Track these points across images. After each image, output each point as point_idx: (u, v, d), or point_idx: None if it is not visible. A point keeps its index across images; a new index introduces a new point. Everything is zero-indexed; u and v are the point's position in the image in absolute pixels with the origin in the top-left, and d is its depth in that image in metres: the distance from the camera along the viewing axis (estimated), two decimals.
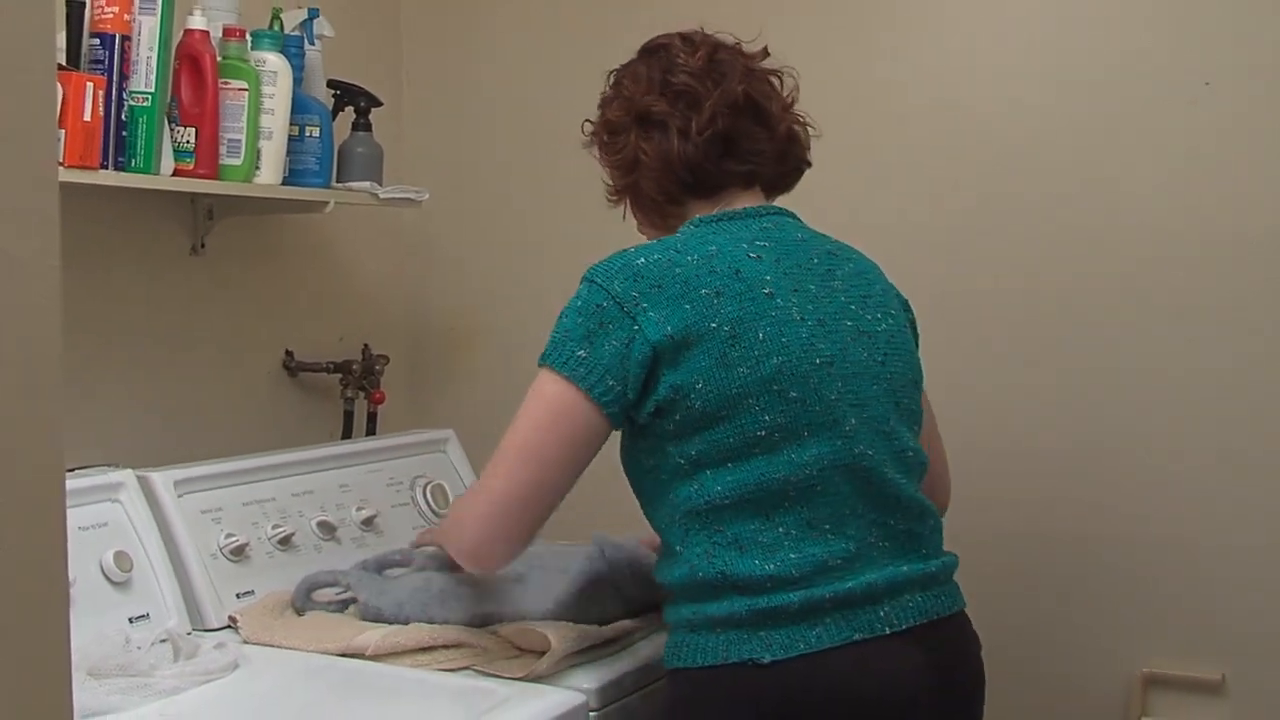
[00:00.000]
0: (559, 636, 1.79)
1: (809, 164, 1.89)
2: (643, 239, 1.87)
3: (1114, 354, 2.40)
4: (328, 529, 2.23)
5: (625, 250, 1.73)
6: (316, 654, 1.89)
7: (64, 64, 1.97)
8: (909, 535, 1.74)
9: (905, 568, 1.71)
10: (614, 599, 1.96)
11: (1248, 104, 2.30)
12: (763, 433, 1.63)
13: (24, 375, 0.81)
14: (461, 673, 1.82)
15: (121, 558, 1.93)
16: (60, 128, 1.90)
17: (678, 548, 1.68)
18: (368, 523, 2.30)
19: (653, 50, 1.87)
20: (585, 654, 1.86)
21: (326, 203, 2.43)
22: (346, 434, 2.71)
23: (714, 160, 1.79)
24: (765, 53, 1.87)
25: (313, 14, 2.44)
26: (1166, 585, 2.37)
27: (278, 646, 1.92)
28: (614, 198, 1.94)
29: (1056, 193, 2.43)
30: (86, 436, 2.21)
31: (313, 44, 2.44)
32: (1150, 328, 2.37)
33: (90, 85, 1.93)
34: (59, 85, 1.88)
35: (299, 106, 2.33)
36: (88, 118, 1.93)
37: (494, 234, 2.93)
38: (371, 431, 2.73)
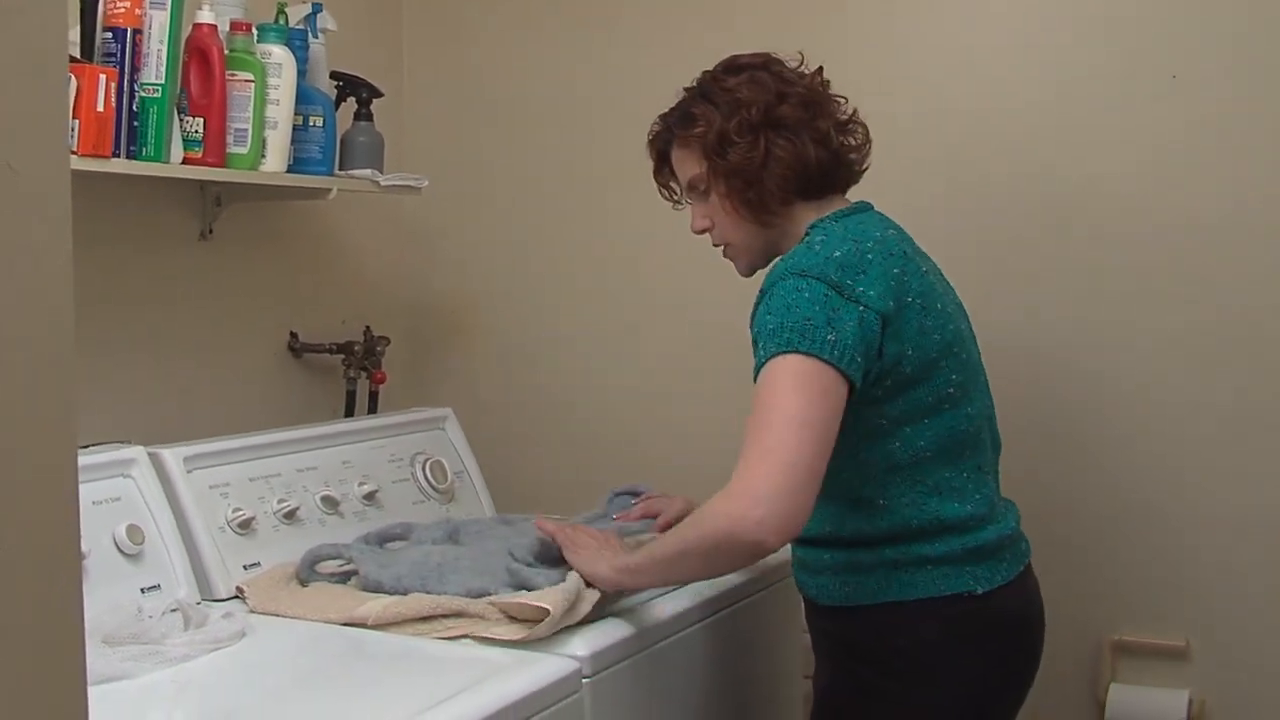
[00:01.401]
0: (556, 602, 1.80)
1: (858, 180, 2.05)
2: (726, 236, 2.00)
3: (1083, 332, 2.45)
4: (331, 503, 2.26)
5: (809, 249, 1.84)
6: (320, 623, 1.90)
7: (78, 57, 1.99)
8: (998, 478, 2.01)
9: (1015, 509, 1.99)
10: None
11: (1213, 97, 2.34)
12: (951, 390, 1.86)
13: (39, 356, 0.82)
14: (461, 641, 1.83)
15: (133, 531, 1.95)
16: (74, 118, 1.92)
17: (880, 500, 1.85)
18: (369, 497, 2.33)
19: (757, 65, 1.98)
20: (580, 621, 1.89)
21: (330, 190, 2.46)
22: (349, 412, 2.73)
23: (835, 167, 1.96)
24: (828, 83, 2.01)
25: (316, 8, 2.46)
26: (1134, 557, 2.43)
27: (283, 616, 1.94)
28: (687, 196, 2.04)
29: (1025, 182, 2.47)
30: (99, 414, 2.23)
31: (316, 37, 2.46)
32: (1117, 308, 2.42)
33: (103, 77, 1.96)
34: (73, 77, 1.91)
35: (303, 97, 2.36)
36: (101, 108, 1.95)
37: (491, 220, 2.95)
38: (373, 410, 2.75)
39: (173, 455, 2.09)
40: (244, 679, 1.76)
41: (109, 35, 2.04)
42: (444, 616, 1.88)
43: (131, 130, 2.06)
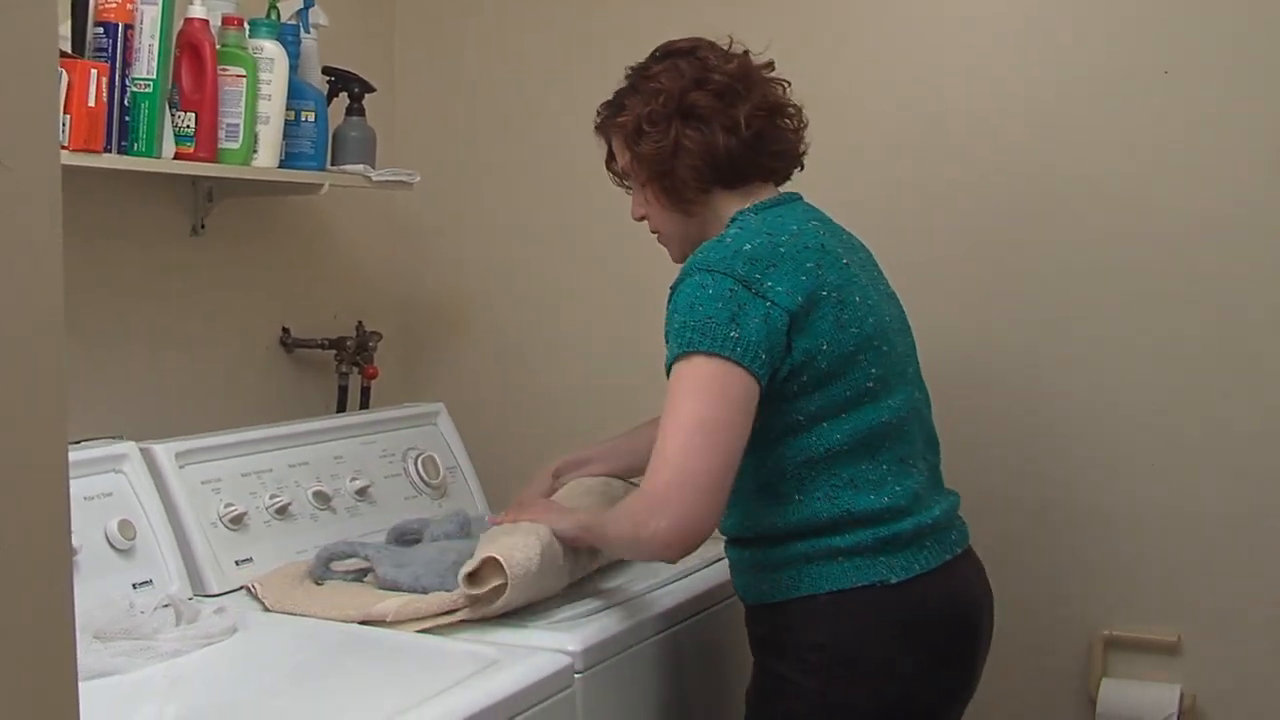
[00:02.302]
0: (499, 550, 1.82)
1: (802, 165, 2.03)
2: (656, 225, 2.02)
3: (1075, 330, 2.45)
4: (323, 499, 2.26)
5: (721, 241, 1.85)
6: (336, 621, 1.89)
7: (69, 52, 1.98)
8: (937, 469, 2.01)
9: (950, 499, 1.98)
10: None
11: (1205, 92, 2.35)
12: (871, 384, 1.85)
13: (30, 351, 0.82)
14: (467, 629, 1.84)
15: (125, 526, 1.94)
16: (65, 113, 1.92)
17: (796, 495, 1.84)
18: (361, 493, 2.34)
19: (683, 51, 1.99)
20: (570, 609, 1.92)
21: (321, 185, 2.45)
22: (341, 408, 2.73)
23: (750, 155, 1.93)
24: (771, 64, 2.00)
25: (308, 3, 2.45)
26: (1125, 552, 2.43)
27: (301, 615, 1.93)
28: (627, 182, 2.05)
29: (1019, 178, 2.47)
30: (91, 410, 2.22)
31: (308, 32, 2.45)
32: (1108, 305, 2.43)
33: (94, 72, 1.95)
34: (64, 72, 1.90)
35: (295, 92, 2.35)
36: (92, 103, 1.95)
37: (483, 215, 2.95)
38: (365, 405, 2.75)
39: (164, 450, 2.09)
40: (236, 674, 1.76)
41: (100, 30, 2.04)
42: (462, 610, 1.88)
43: (123, 125, 2.06)
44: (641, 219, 2.05)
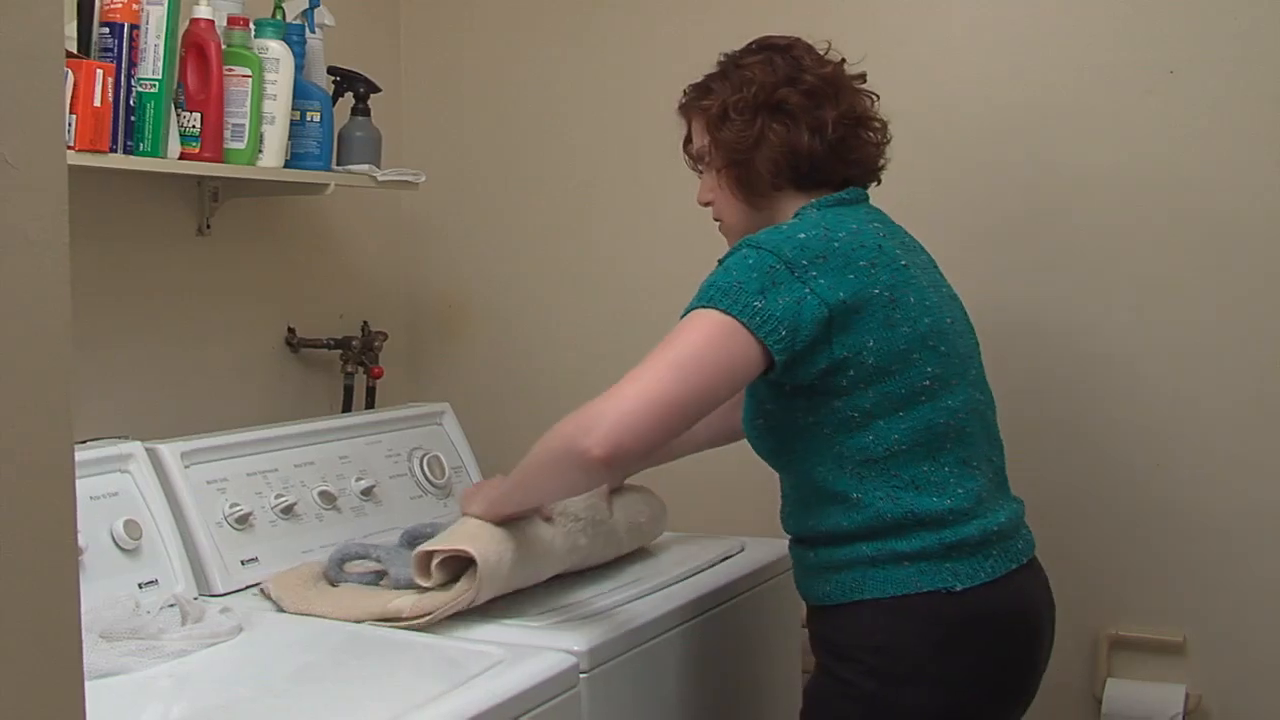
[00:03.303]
0: (480, 553, 1.83)
1: (880, 179, 2.04)
2: (720, 213, 2.01)
3: (1084, 328, 2.45)
4: (328, 499, 2.26)
5: (777, 229, 1.85)
6: (352, 621, 1.88)
7: (75, 52, 1.98)
8: (1002, 473, 1.98)
9: (1014, 505, 1.95)
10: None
11: (1210, 91, 2.35)
12: (927, 383, 1.83)
13: (36, 351, 0.83)
14: (474, 626, 1.84)
15: (131, 526, 1.95)
16: (71, 113, 1.92)
17: (855, 495, 1.82)
18: (367, 493, 2.34)
19: (780, 47, 1.99)
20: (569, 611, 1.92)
21: (327, 185, 2.45)
22: (346, 407, 2.73)
23: (830, 160, 1.94)
24: (864, 76, 2.01)
25: (314, 3, 2.46)
26: (1131, 552, 2.43)
27: (317, 616, 1.91)
28: (700, 165, 2.04)
29: (1022, 176, 2.47)
30: (97, 410, 2.23)
31: (314, 32, 2.46)
32: (1119, 303, 2.43)
33: (100, 72, 1.96)
34: (70, 72, 1.91)
35: (300, 92, 2.36)
36: (98, 103, 1.95)
37: (489, 215, 2.95)
38: (370, 405, 2.76)
39: (170, 450, 2.10)
40: (241, 674, 1.76)
41: (106, 30, 2.04)
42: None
43: (128, 125, 2.06)
44: (707, 204, 2.04)
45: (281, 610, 1.95)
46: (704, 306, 1.76)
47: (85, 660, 0.88)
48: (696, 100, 2.02)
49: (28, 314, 0.83)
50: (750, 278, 1.76)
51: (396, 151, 2.85)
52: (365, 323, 2.78)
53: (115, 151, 2.03)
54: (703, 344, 1.74)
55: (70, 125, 1.93)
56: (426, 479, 2.49)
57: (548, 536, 1.99)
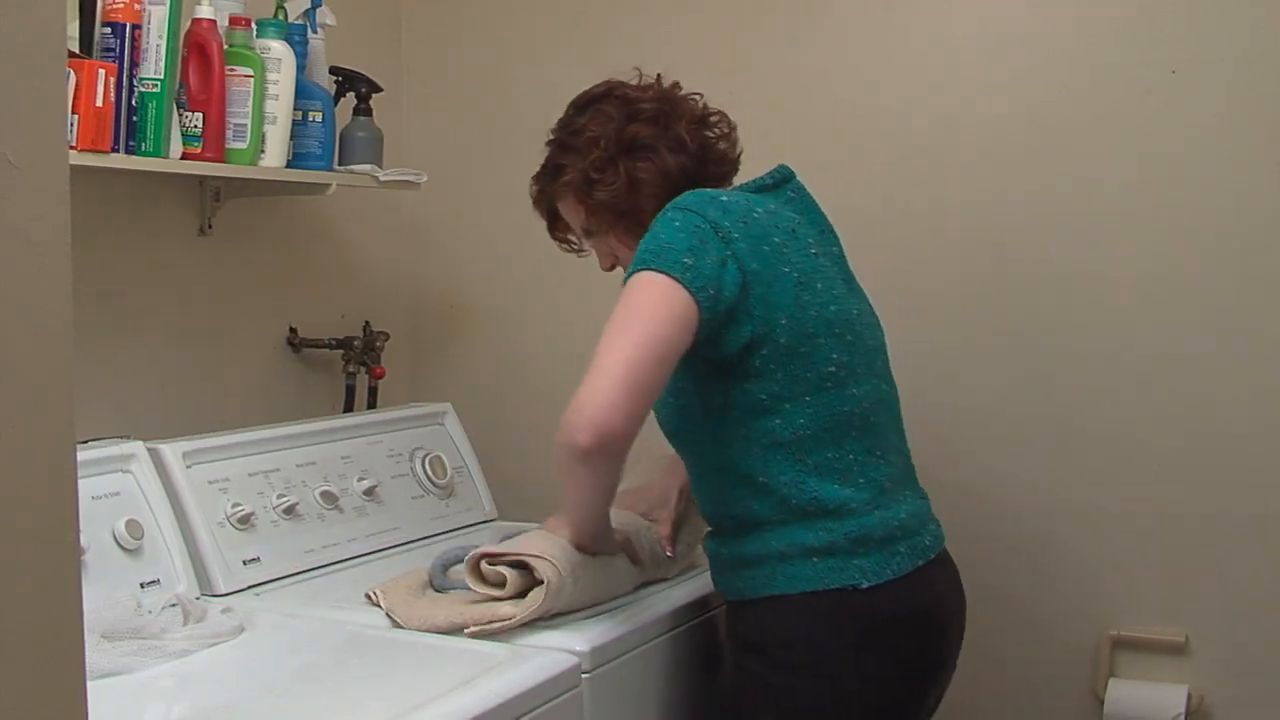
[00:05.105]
0: (552, 570, 1.83)
1: (737, 167, 2.10)
2: (627, 265, 1.97)
3: (1081, 331, 2.45)
4: (330, 499, 2.26)
5: (701, 190, 1.89)
6: (470, 629, 1.83)
7: (77, 52, 1.98)
8: (910, 464, 2.01)
9: (920, 501, 1.98)
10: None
11: (1211, 91, 2.34)
12: (833, 369, 1.86)
13: (38, 351, 0.83)
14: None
15: (133, 526, 1.95)
16: (73, 113, 1.93)
17: (760, 479, 1.85)
18: (369, 493, 2.34)
19: (601, 96, 2.06)
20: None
21: (329, 185, 2.45)
22: (348, 407, 2.73)
23: (700, 168, 2.00)
24: (678, 85, 2.07)
25: (316, 3, 2.46)
26: (1133, 553, 2.43)
27: (432, 631, 1.85)
28: (587, 241, 2.09)
29: (1022, 176, 2.47)
30: (99, 409, 2.23)
31: (315, 32, 2.46)
32: (1115, 304, 2.42)
33: (102, 72, 1.96)
34: (72, 72, 1.91)
35: (302, 92, 2.36)
36: (100, 103, 1.95)
37: (490, 215, 2.94)
38: (372, 405, 2.76)
39: (172, 450, 2.10)
40: (243, 674, 1.76)
41: (108, 30, 2.04)
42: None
43: (130, 125, 2.06)
44: (611, 268, 2.08)
45: (396, 626, 1.89)
46: (639, 270, 1.80)
47: (87, 660, 0.88)
48: (553, 183, 2.06)
49: (29, 314, 0.82)
50: (678, 238, 1.80)
51: (398, 151, 2.84)
52: (367, 323, 2.78)
53: (117, 151, 2.03)
54: (645, 304, 1.77)
55: (72, 125, 1.93)
56: (428, 479, 2.49)
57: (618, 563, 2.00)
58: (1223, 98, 2.34)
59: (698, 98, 2.06)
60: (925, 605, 1.91)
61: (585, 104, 2.06)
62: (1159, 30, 2.38)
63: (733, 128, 2.07)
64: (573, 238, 2.15)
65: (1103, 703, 2.42)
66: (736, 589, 1.92)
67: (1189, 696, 2.37)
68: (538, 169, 2.11)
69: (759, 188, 1.99)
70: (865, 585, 1.83)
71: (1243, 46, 2.32)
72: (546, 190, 2.10)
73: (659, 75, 2.06)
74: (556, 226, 2.15)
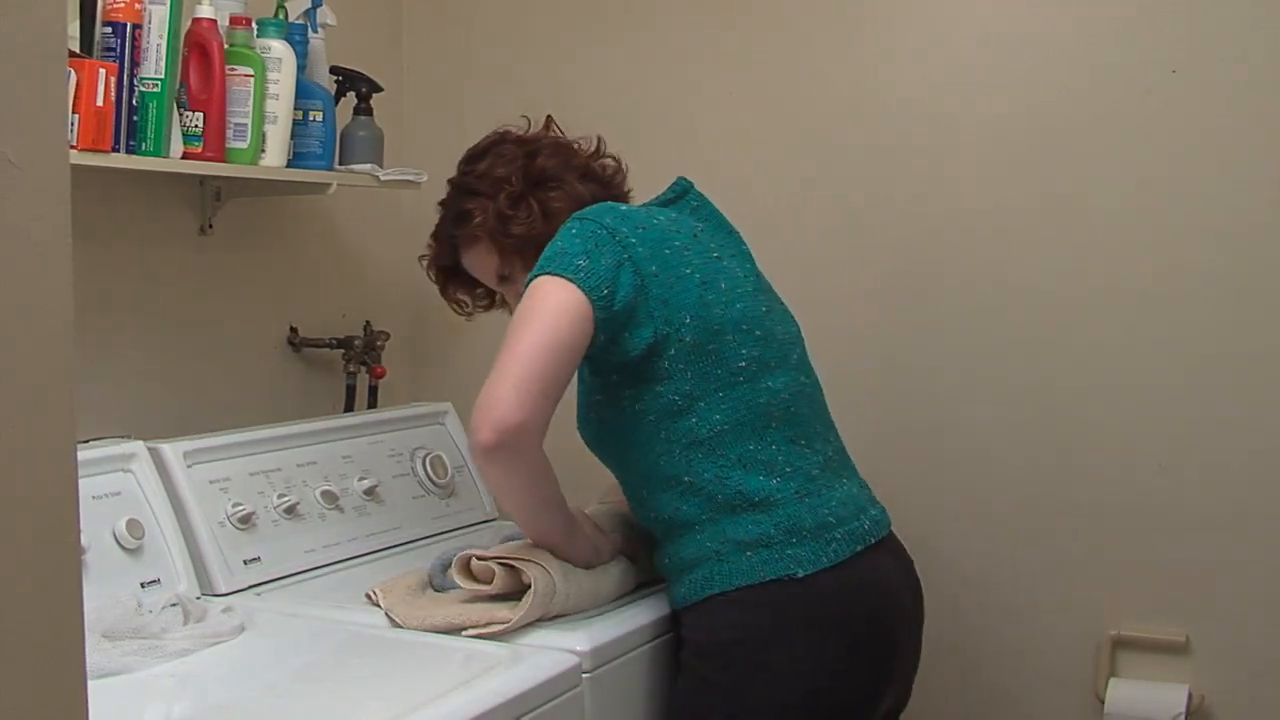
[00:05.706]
0: (541, 577, 1.84)
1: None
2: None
3: (1086, 330, 2.45)
4: (331, 498, 2.26)
5: (604, 203, 1.96)
6: (472, 631, 1.83)
7: (77, 51, 1.98)
8: (842, 453, 2.03)
9: (856, 488, 1.99)
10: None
11: (1211, 91, 2.34)
12: (744, 364, 1.89)
13: (38, 350, 0.82)
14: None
15: (133, 525, 1.95)
16: (74, 112, 1.93)
17: (685, 478, 1.87)
18: (369, 492, 2.34)
19: (495, 142, 2.14)
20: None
21: (329, 185, 2.45)
22: (349, 407, 2.73)
23: (606, 191, 2.09)
24: (550, 120, 2.19)
25: (316, 3, 2.46)
26: (1134, 553, 2.43)
27: (433, 631, 1.85)
28: (507, 286, 2.15)
29: (1022, 175, 2.47)
30: (99, 409, 2.23)
31: (316, 32, 2.46)
32: (1115, 305, 2.42)
33: (103, 72, 1.96)
34: (72, 72, 1.91)
35: (303, 92, 2.36)
36: (100, 103, 1.95)
37: None
38: (373, 405, 2.76)
39: (172, 450, 2.10)
40: (243, 673, 1.76)
41: (108, 30, 2.04)
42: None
43: (131, 125, 2.06)
44: None
45: (395, 625, 1.89)
46: (537, 275, 1.84)
47: (88, 660, 0.88)
48: (462, 229, 2.12)
49: (29, 313, 0.82)
50: (574, 243, 1.84)
51: (398, 151, 2.84)
52: (367, 322, 2.77)
53: (118, 151, 2.03)
54: (540, 305, 1.80)
55: (72, 125, 1.93)
56: (429, 479, 2.49)
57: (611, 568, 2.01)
58: (1223, 98, 2.34)
59: (581, 143, 2.15)
60: (867, 592, 1.90)
61: (481, 152, 2.13)
62: (1159, 30, 2.38)
63: (621, 161, 2.17)
64: (465, 298, 2.22)
65: (1103, 702, 2.42)
66: (681, 596, 1.93)
67: (1189, 696, 2.37)
68: (432, 233, 2.18)
69: (662, 202, 2.05)
70: (801, 574, 1.83)
71: (1243, 46, 2.32)
72: (454, 238, 2.14)
73: (548, 117, 2.15)
74: (449, 288, 2.22)
